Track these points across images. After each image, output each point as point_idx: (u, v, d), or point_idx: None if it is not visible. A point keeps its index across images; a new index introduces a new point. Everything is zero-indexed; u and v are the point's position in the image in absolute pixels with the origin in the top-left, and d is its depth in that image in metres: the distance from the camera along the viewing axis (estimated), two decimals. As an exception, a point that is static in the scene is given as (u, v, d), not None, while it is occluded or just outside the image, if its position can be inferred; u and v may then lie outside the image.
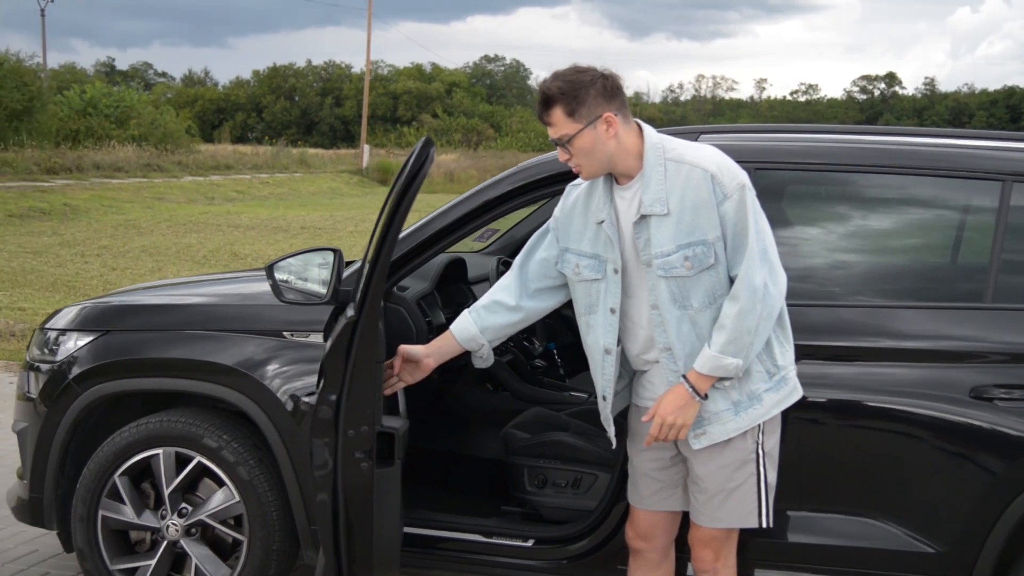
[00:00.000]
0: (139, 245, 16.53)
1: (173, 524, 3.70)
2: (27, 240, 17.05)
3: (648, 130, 2.95)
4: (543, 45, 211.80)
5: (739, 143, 3.45)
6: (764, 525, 2.99)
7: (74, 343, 3.88)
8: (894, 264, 3.52)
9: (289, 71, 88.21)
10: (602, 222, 2.98)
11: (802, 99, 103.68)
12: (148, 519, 3.74)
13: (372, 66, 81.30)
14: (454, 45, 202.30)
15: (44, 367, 3.92)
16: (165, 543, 3.71)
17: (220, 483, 3.68)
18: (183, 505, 3.72)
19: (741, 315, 2.80)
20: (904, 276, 3.49)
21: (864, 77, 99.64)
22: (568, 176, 3.23)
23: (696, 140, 3.56)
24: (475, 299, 4.43)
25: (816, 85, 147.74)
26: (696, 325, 2.90)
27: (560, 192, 3.22)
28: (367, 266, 3.08)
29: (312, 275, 3.57)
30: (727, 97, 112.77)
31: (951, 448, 3.19)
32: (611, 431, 3.16)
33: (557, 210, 3.15)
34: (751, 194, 2.86)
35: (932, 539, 3.18)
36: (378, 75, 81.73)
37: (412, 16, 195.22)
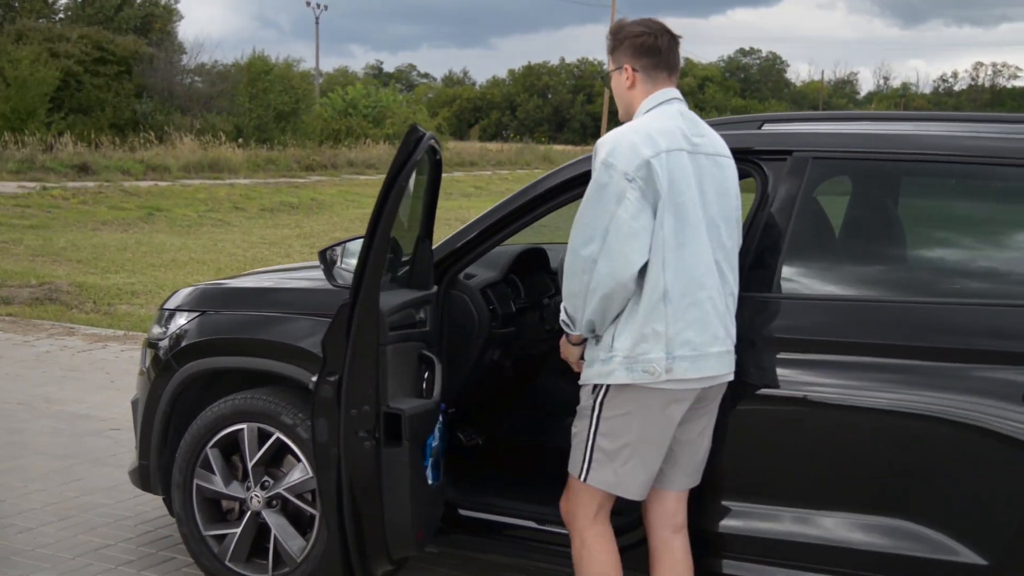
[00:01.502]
0: (366, 237, 17.39)
1: (256, 495, 3.93)
2: (270, 232, 18.36)
3: (649, 99, 3.05)
4: (805, 37, 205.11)
5: (800, 130, 3.30)
6: (581, 479, 3.12)
7: (179, 322, 4.20)
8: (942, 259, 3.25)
9: (543, 69, 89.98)
10: None
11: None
12: (235, 489, 3.99)
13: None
14: (712, 39, 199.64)
15: (158, 344, 4.26)
16: (249, 513, 3.95)
17: (298, 459, 3.88)
18: (265, 478, 3.94)
19: (566, 274, 2.98)
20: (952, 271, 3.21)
21: None
22: None
23: (759, 128, 3.46)
24: (557, 290, 4.43)
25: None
26: None
27: None
28: (361, 251, 3.17)
29: None
30: (1008, 86, 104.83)
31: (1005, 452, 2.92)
32: None
33: None
34: (607, 173, 2.89)
35: (979, 549, 2.93)
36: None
37: (671, 11, 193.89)
